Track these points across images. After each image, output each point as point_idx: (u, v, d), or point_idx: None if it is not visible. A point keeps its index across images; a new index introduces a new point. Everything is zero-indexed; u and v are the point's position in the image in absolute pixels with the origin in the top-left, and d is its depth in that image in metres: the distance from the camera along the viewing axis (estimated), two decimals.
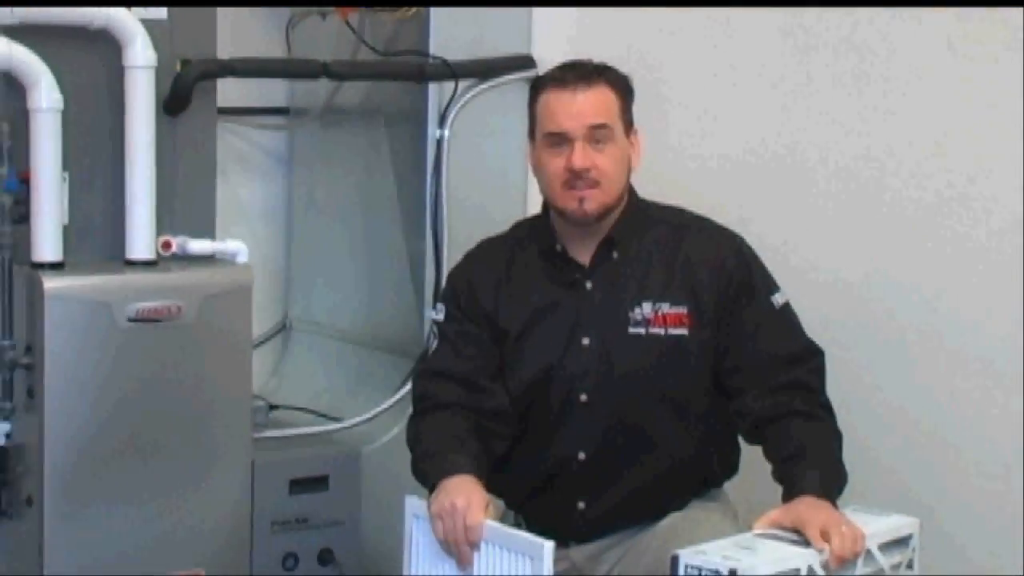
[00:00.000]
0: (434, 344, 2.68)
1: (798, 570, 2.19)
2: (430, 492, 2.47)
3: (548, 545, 2.27)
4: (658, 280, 2.58)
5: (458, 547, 2.37)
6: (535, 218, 2.73)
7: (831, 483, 2.40)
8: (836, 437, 2.50)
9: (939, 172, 2.83)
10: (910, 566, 2.37)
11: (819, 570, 2.21)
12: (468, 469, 2.45)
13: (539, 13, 3.58)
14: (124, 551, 3.08)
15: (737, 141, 3.22)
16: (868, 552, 2.29)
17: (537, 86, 2.63)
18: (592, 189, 2.53)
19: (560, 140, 2.54)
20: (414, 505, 2.49)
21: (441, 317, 2.69)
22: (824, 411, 2.53)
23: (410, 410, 2.74)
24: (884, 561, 2.31)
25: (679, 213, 2.69)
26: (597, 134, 2.53)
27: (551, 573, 2.26)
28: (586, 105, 2.53)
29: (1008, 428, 2.73)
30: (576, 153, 2.52)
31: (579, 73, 2.57)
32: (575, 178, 2.52)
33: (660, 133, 3.18)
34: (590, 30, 3.48)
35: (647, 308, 2.56)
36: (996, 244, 2.75)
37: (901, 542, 2.36)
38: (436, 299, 3.31)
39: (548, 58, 3.41)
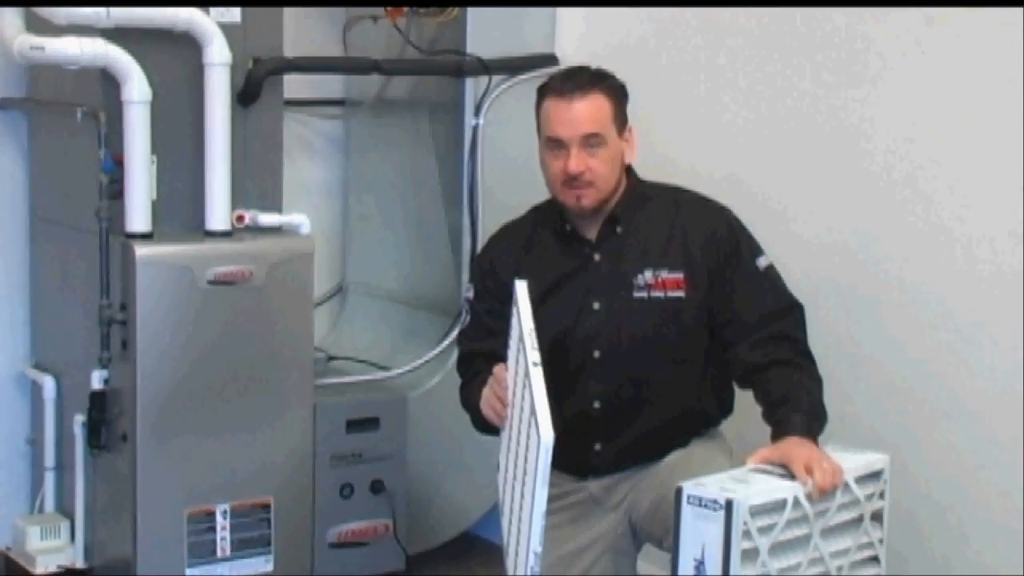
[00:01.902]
0: (467, 319, 2.70)
1: (785, 500, 2.19)
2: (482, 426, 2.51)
3: (520, 281, 2.33)
4: (657, 250, 2.57)
5: (497, 410, 2.38)
6: (548, 203, 2.70)
7: (813, 424, 2.39)
8: (817, 383, 2.49)
9: (912, 150, 2.81)
10: (881, 496, 2.36)
11: (804, 500, 2.21)
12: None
13: (562, 18, 3.56)
14: (204, 480, 3.11)
15: (729, 123, 3.20)
16: (846, 484, 2.28)
17: (541, 92, 2.60)
18: (587, 188, 2.53)
19: (558, 145, 2.52)
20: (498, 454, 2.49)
21: (471, 295, 2.69)
22: (806, 359, 2.52)
23: (450, 361, 2.76)
24: (859, 492, 2.31)
25: (673, 190, 2.67)
26: (590, 140, 2.51)
27: (527, 303, 2.30)
28: (581, 114, 2.51)
29: (969, 377, 2.72)
30: (572, 159, 2.50)
31: (576, 83, 2.54)
32: (571, 179, 2.52)
33: (671, 108, 3.18)
34: (604, 32, 3.47)
35: (648, 275, 2.55)
36: (962, 217, 2.73)
37: (874, 476, 2.35)
38: (471, 264, 3.32)
39: (569, 56, 3.42)
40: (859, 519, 2.32)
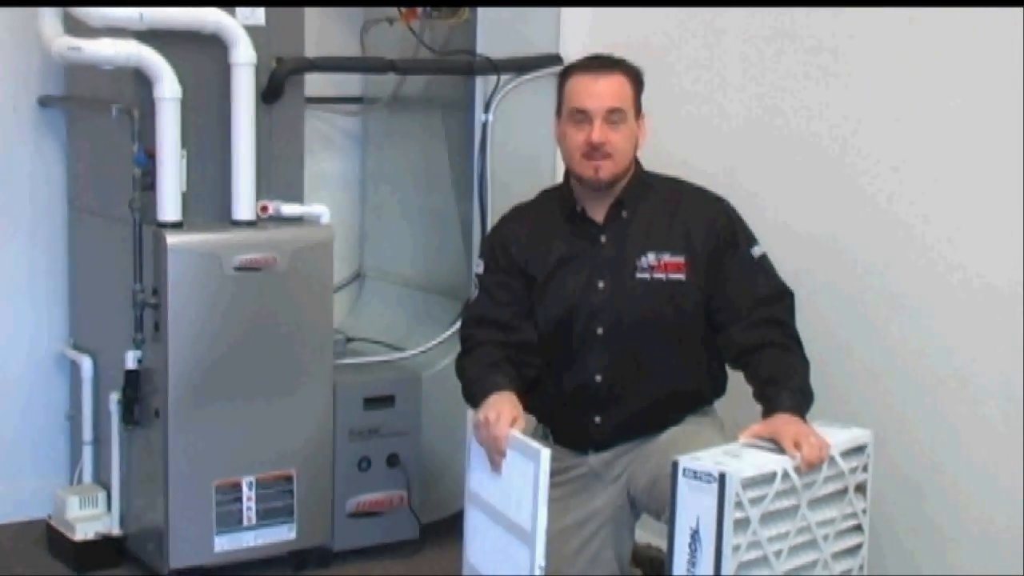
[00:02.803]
0: (475, 293, 2.67)
1: (775, 472, 2.20)
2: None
3: (545, 452, 2.25)
4: (660, 234, 2.56)
5: (489, 454, 2.38)
6: (559, 186, 2.70)
7: (801, 402, 2.39)
8: (804, 364, 2.49)
9: (890, 149, 2.81)
10: (865, 469, 2.37)
11: (792, 473, 2.22)
12: (504, 387, 2.44)
13: (566, 20, 3.56)
14: (231, 453, 3.12)
15: (725, 120, 3.19)
16: (831, 458, 2.29)
17: (566, 71, 2.61)
18: (606, 160, 2.52)
19: (582, 117, 2.52)
20: (471, 417, 2.47)
21: (481, 270, 2.67)
22: (794, 343, 2.52)
23: None
24: (844, 465, 2.31)
25: (677, 182, 2.67)
26: (613, 115, 2.51)
27: (547, 474, 2.23)
28: (606, 90, 2.51)
29: (943, 359, 2.72)
30: (595, 130, 2.50)
31: (602, 63, 2.57)
32: (593, 150, 2.51)
33: (668, 107, 3.16)
34: (606, 34, 3.46)
35: (651, 257, 2.55)
36: (939, 210, 2.73)
37: (858, 450, 2.36)
38: (482, 245, 3.33)
39: (572, 57, 3.40)
40: (844, 491, 2.33)
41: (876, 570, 2.50)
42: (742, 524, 2.15)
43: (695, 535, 2.15)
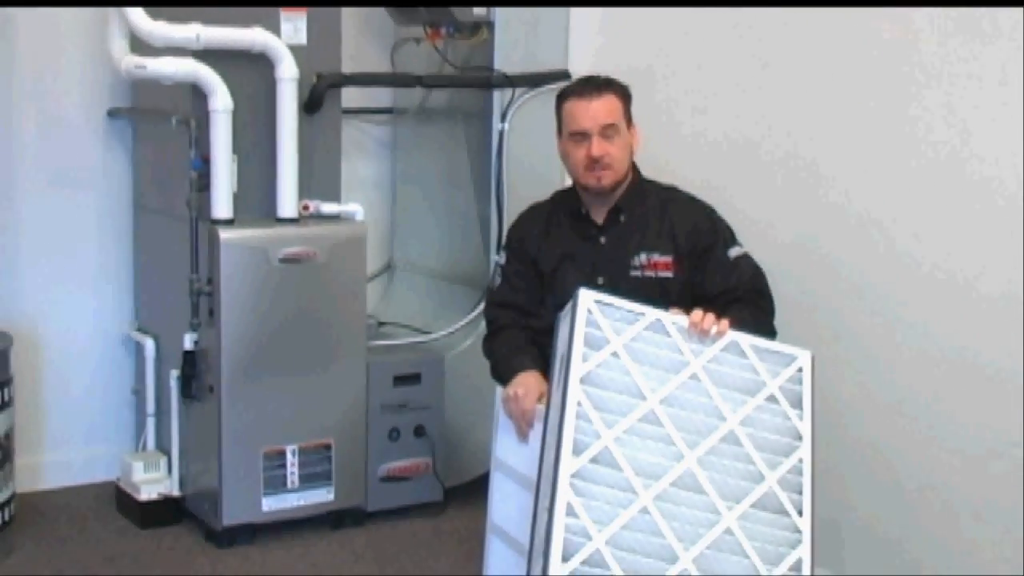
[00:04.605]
0: (497, 280, 2.69)
1: (644, 314, 2.22)
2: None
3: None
4: (651, 237, 2.57)
5: (517, 425, 2.41)
6: (567, 190, 2.72)
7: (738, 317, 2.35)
8: (759, 315, 2.46)
9: (858, 157, 2.82)
10: (799, 383, 2.26)
11: (667, 322, 2.22)
12: (530, 366, 2.46)
13: (574, 40, 3.56)
14: (276, 424, 3.15)
15: (715, 129, 3.20)
16: (737, 346, 2.24)
17: (561, 96, 2.61)
18: (606, 171, 2.54)
19: (582, 136, 2.54)
20: (500, 392, 2.50)
21: (502, 261, 2.69)
22: (759, 302, 2.51)
23: (480, 326, 2.72)
24: (758, 362, 2.23)
25: (669, 189, 2.67)
26: (608, 131, 2.53)
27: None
28: (599, 109, 2.53)
29: (911, 341, 2.73)
30: (594, 146, 2.52)
31: (592, 86, 2.57)
32: (594, 163, 2.53)
33: (661, 122, 3.18)
34: (609, 52, 3.47)
35: (643, 257, 2.56)
36: (899, 213, 2.75)
37: (781, 356, 2.27)
38: (499, 247, 3.33)
39: (580, 72, 3.43)
40: (773, 398, 2.23)
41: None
42: (598, 341, 2.18)
43: (564, 359, 2.18)
